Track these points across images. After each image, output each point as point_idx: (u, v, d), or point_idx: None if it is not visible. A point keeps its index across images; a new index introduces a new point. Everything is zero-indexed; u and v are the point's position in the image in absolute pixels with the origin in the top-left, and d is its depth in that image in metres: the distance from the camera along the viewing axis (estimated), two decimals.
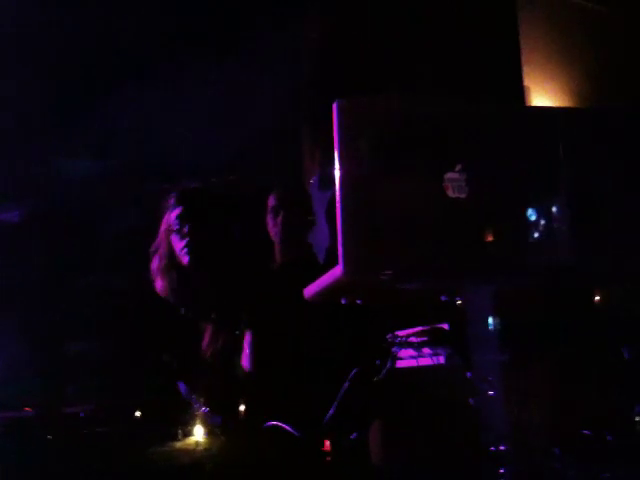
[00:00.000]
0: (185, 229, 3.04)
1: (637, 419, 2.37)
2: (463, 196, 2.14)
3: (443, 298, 2.32)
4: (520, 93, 4.45)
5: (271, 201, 3.65)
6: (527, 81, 4.48)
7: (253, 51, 4.18)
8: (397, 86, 4.14)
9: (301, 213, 3.66)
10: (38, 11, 3.76)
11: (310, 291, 2.37)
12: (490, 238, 2.18)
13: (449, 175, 2.14)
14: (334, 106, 2.09)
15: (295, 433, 2.34)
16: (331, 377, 2.40)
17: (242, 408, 2.71)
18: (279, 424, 2.39)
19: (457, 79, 4.03)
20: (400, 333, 2.31)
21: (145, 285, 3.03)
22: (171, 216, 3.09)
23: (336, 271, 2.09)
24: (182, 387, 2.83)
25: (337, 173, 2.09)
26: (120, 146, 3.85)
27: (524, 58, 4.44)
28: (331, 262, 4.05)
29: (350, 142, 2.07)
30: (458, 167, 2.15)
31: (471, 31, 4.19)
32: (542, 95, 4.54)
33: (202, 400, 2.63)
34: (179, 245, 3.04)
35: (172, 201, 3.13)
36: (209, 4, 4.09)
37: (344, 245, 2.02)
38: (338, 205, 2.05)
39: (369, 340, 2.38)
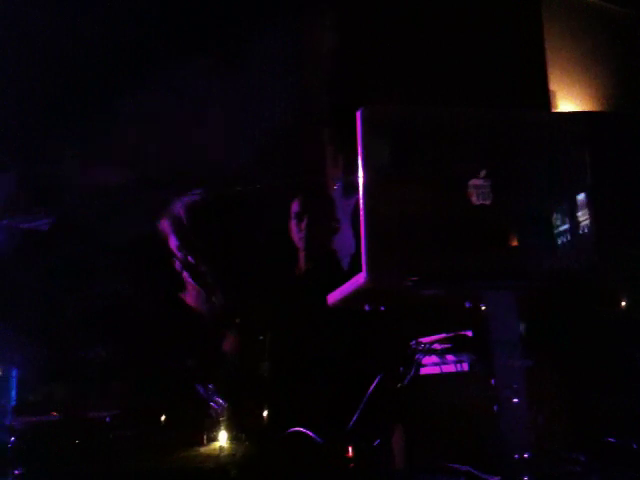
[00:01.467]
0: (186, 259, 2.98)
1: None
2: (488, 203, 2.13)
3: (467, 304, 2.31)
4: (546, 97, 4.42)
5: (295, 207, 3.66)
6: (552, 85, 4.44)
7: (274, 56, 4.18)
8: (422, 91, 4.12)
9: (325, 219, 3.67)
10: (52, 20, 3.79)
11: (333, 297, 2.37)
12: (511, 244, 2.18)
13: (473, 182, 2.14)
14: (357, 114, 2.10)
15: (318, 439, 2.34)
16: (354, 383, 2.40)
17: (265, 413, 2.72)
18: (302, 430, 2.39)
19: (482, 83, 4.01)
20: (423, 340, 2.30)
21: (169, 292, 3.05)
22: (171, 245, 3.04)
23: (359, 278, 2.09)
24: (201, 389, 2.83)
25: (360, 180, 2.09)
26: (142, 155, 3.86)
27: (549, 62, 4.41)
28: (355, 268, 4.04)
29: (374, 149, 2.08)
30: (482, 173, 2.14)
31: (496, 35, 4.17)
32: (568, 99, 4.50)
33: (224, 404, 2.64)
34: (186, 274, 3.02)
35: (165, 226, 3.05)
36: (229, 11, 4.10)
37: (367, 252, 2.03)
38: (361, 212, 2.06)
39: (392, 347, 2.38)
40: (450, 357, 2.19)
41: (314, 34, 4.42)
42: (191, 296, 3.07)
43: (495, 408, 2.00)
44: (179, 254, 2.95)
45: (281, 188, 3.84)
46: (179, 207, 2.95)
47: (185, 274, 3.00)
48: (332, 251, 3.69)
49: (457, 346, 2.16)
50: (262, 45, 4.10)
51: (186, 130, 3.89)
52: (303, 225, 3.61)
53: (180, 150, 3.79)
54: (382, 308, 2.36)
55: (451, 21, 4.27)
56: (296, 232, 3.62)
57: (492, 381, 2.01)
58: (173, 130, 3.87)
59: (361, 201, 2.07)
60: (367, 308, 2.36)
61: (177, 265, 2.93)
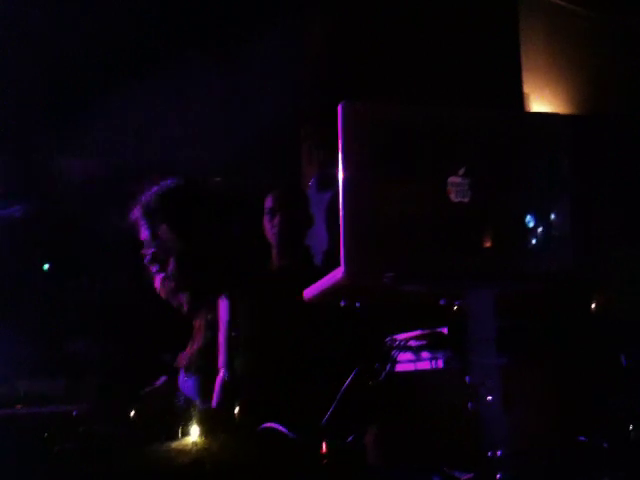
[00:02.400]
0: (154, 258, 2.84)
1: (631, 426, 2.37)
2: (466, 200, 2.14)
3: (442, 302, 2.32)
4: (520, 99, 4.47)
5: (268, 202, 3.64)
6: (527, 88, 4.48)
7: (253, 51, 4.17)
8: (397, 90, 4.13)
9: (298, 215, 3.66)
10: (36, 8, 3.75)
11: (310, 293, 2.36)
12: (489, 243, 2.19)
13: (452, 179, 2.15)
14: (339, 108, 2.09)
15: (290, 435, 2.33)
16: (329, 379, 2.39)
17: (237, 410, 2.69)
18: (274, 425, 2.38)
19: (457, 84, 4.03)
20: (399, 337, 2.30)
21: (143, 285, 3.00)
22: (141, 236, 2.87)
23: (337, 273, 2.09)
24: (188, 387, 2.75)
25: (340, 175, 2.08)
26: (119, 145, 3.83)
27: (524, 65, 4.44)
28: (329, 264, 4.04)
29: (354, 145, 2.07)
30: (461, 171, 2.15)
31: (472, 37, 4.19)
32: (541, 102, 4.55)
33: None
34: (153, 269, 2.88)
35: (137, 215, 2.89)
36: (209, 3, 4.08)
37: (346, 247, 2.02)
38: (340, 207, 2.05)
39: (368, 343, 2.38)
40: (425, 354, 2.19)
41: (295, 36, 4.42)
42: (161, 290, 2.97)
43: (470, 405, 2.00)
44: (148, 246, 2.83)
45: (256, 183, 3.83)
46: (151, 195, 2.83)
47: (153, 268, 2.88)
48: (306, 247, 3.68)
49: (433, 343, 2.17)
50: (246, 42, 4.09)
51: (172, 123, 3.88)
52: (276, 221, 3.59)
53: (166, 143, 3.78)
54: (358, 304, 2.36)
55: (428, 23, 4.28)
56: (269, 228, 3.61)
57: (467, 378, 2.02)
58: (160, 122, 3.85)
59: (340, 196, 2.06)
60: (343, 304, 2.35)
61: (146, 259, 2.81)
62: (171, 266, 2.77)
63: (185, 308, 2.84)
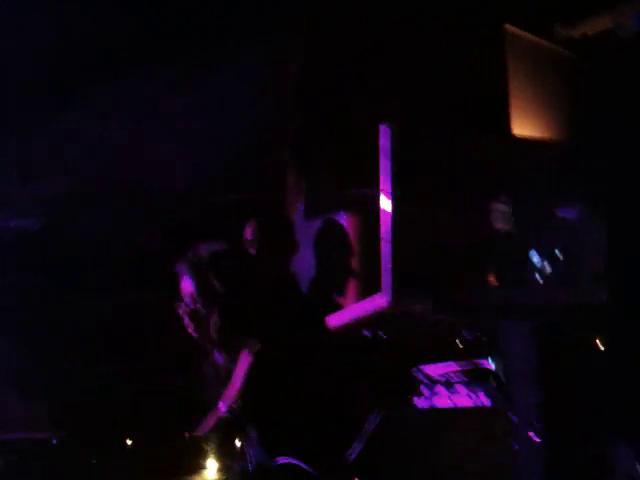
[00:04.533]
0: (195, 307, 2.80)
1: None
2: (508, 227, 2.11)
3: (465, 334, 2.26)
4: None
5: (248, 234, 3.57)
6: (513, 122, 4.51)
7: (237, 75, 4.06)
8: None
9: (280, 244, 3.59)
10: None
11: (336, 321, 2.26)
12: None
13: (495, 205, 2.11)
14: (385, 130, 2.02)
15: (310, 471, 2.20)
16: (352, 413, 2.27)
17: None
18: (293, 461, 2.24)
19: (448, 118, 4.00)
20: (425, 369, 2.22)
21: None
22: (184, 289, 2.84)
23: (376, 300, 1.99)
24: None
25: (384, 201, 1.99)
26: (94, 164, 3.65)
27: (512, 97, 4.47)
28: (314, 290, 3.93)
29: (403, 168, 1.98)
30: (503, 197, 2.12)
31: (463, 74, 4.18)
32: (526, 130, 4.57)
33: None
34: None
35: (182, 270, 2.87)
36: (191, 19, 3.95)
37: (393, 273, 1.92)
38: (385, 233, 1.96)
39: (395, 374, 2.27)
40: (463, 389, 2.11)
41: (285, 54, 4.32)
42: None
43: (515, 446, 1.93)
44: (190, 300, 2.78)
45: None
46: (204, 253, 2.83)
47: (186, 320, 2.81)
48: (291, 274, 3.58)
49: (472, 377, 2.09)
50: (233, 61, 3.97)
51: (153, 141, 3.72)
52: (256, 251, 3.51)
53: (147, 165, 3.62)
54: (382, 334, 2.27)
55: (424, 59, 4.24)
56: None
57: (511, 416, 1.95)
58: (141, 141, 3.69)
59: (385, 222, 1.97)
60: (367, 334, 2.27)
61: (181, 309, 2.76)
62: (216, 316, 2.75)
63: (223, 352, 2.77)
